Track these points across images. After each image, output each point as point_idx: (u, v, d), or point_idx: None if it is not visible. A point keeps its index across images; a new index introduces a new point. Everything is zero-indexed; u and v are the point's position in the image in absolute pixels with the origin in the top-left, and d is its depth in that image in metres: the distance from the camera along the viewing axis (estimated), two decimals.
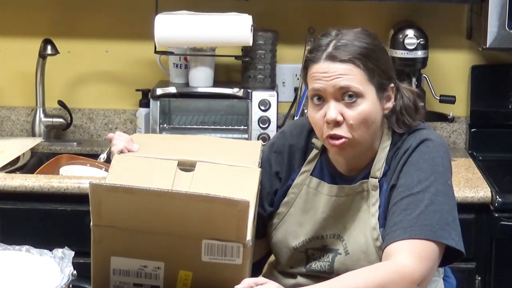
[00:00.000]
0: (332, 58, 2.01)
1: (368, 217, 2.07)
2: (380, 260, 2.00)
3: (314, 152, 2.17)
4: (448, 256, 2.02)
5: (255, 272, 2.06)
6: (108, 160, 2.14)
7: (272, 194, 2.19)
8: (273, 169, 2.20)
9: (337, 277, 1.93)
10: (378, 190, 2.07)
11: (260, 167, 2.09)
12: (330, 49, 2.01)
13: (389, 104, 2.08)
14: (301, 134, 2.20)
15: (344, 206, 2.10)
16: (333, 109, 2.00)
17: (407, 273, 1.91)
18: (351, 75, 2.00)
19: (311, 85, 2.03)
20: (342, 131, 2.00)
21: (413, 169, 2.03)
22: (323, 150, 2.16)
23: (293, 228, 2.14)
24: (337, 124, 2.00)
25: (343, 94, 2.00)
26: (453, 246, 1.98)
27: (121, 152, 2.06)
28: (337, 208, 2.11)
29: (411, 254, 1.93)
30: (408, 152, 2.05)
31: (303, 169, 2.17)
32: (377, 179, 2.07)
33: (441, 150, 2.06)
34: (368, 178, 2.08)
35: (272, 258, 2.26)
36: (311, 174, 2.16)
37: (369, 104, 2.02)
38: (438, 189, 2.00)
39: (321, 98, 2.02)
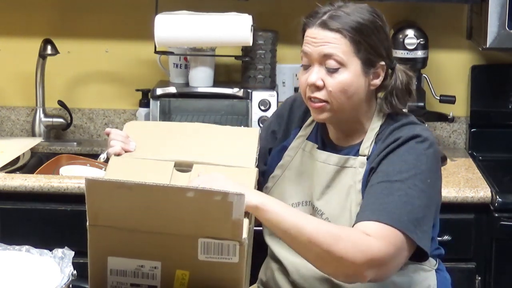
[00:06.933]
0: (323, 25, 2.10)
1: (354, 192, 2.10)
2: None
3: (311, 118, 2.23)
4: (414, 254, 2.03)
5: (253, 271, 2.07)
6: (108, 160, 2.13)
7: (267, 153, 2.28)
8: (271, 128, 2.30)
9: (305, 215, 1.99)
10: (365, 168, 2.10)
11: (261, 129, 2.22)
12: (324, 17, 2.10)
13: (377, 81, 2.13)
14: (304, 102, 2.24)
15: (330, 176, 2.14)
16: (314, 74, 2.09)
17: (365, 242, 1.92)
18: (336, 44, 2.08)
19: (302, 48, 2.14)
20: (320, 94, 2.09)
21: (396, 159, 2.05)
22: None
23: (288, 190, 2.19)
24: (317, 88, 2.09)
25: (326, 61, 2.08)
26: (415, 240, 1.98)
27: (118, 154, 2.06)
28: (323, 176, 2.15)
29: (375, 234, 1.94)
30: (397, 142, 2.08)
31: (300, 133, 2.25)
32: (365, 157, 2.12)
33: (429, 152, 2.07)
34: (356, 155, 2.13)
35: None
36: (307, 139, 2.24)
37: (350, 75, 2.08)
38: (415, 184, 2.02)
39: (308, 62, 2.11)
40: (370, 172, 2.08)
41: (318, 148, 2.20)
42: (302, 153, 2.23)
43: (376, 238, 1.93)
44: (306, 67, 2.12)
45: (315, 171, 2.17)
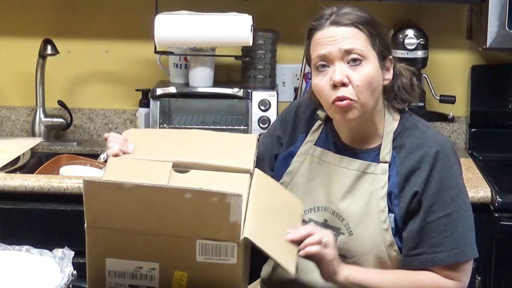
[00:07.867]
0: (336, 23, 2.08)
1: (376, 199, 2.10)
2: (384, 243, 2.08)
3: (318, 123, 2.23)
4: None
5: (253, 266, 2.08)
6: (107, 161, 2.14)
7: (273, 159, 2.26)
8: (276, 133, 2.28)
9: (385, 275, 2.08)
10: (387, 174, 2.11)
11: (265, 136, 2.23)
12: (333, 16, 2.09)
13: (388, 76, 2.13)
14: (309, 106, 2.24)
15: (351, 181, 2.14)
16: (339, 71, 2.05)
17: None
18: (354, 39, 2.06)
19: (316, 52, 2.09)
20: (348, 92, 2.05)
21: (441, 188, 2.08)
22: (327, 120, 2.21)
23: (298, 196, 2.17)
24: (343, 85, 2.05)
25: (348, 57, 2.06)
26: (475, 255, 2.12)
27: (116, 155, 2.06)
28: (343, 181, 2.14)
29: (458, 275, 2.09)
30: (429, 164, 2.08)
31: (307, 139, 2.23)
32: (387, 164, 2.11)
33: (455, 159, 2.12)
34: (376, 161, 2.12)
35: None
36: (315, 144, 2.22)
37: (372, 67, 2.07)
38: (465, 202, 2.11)
39: (325, 64, 2.07)
40: (414, 196, 2.08)
41: (333, 151, 2.18)
42: (310, 159, 2.21)
43: (455, 279, 2.09)
44: (323, 70, 2.08)
45: (334, 176, 2.15)
